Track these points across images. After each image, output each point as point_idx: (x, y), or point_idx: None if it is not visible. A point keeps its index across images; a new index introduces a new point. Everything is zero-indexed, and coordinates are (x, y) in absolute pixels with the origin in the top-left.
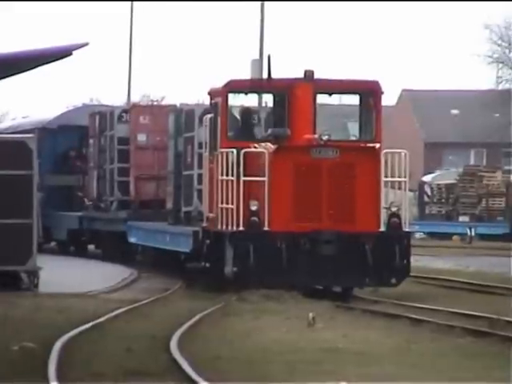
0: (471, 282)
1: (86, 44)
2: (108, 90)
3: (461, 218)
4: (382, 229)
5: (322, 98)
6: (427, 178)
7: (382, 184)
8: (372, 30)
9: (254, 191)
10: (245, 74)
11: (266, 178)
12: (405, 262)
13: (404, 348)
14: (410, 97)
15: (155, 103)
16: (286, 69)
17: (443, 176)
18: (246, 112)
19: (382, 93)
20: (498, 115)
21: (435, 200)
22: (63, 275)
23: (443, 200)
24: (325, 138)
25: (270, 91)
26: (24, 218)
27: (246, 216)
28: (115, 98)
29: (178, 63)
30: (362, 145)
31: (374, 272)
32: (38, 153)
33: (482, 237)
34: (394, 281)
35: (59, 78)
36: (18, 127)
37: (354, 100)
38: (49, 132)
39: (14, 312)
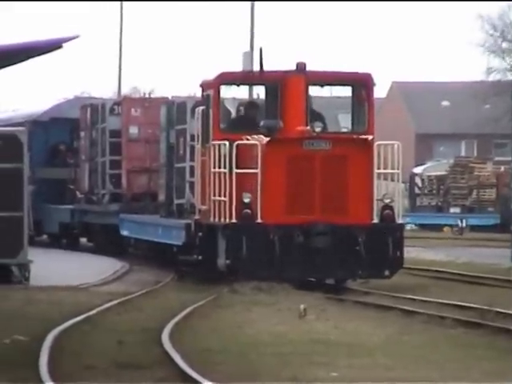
0: (462, 273)
1: (77, 37)
2: (97, 82)
3: (452, 210)
4: (375, 221)
5: (313, 90)
6: (418, 170)
7: (375, 176)
8: (362, 22)
9: (247, 183)
10: (235, 66)
11: (258, 170)
12: (398, 253)
13: (395, 339)
14: (400, 89)
15: (146, 96)
16: (277, 61)
17: (434, 167)
18: (239, 104)
19: (375, 84)
20: (488, 106)
21: (426, 191)
22: (54, 268)
23: (434, 191)
24: (317, 129)
25: (262, 83)
26: (15, 211)
27: (239, 208)
28: (105, 91)
29: (167, 56)
30: (355, 137)
31: (367, 264)
32: (30, 146)
33: (473, 228)
34: (387, 273)
35: (47, 71)
36: (10, 120)
37: (345, 92)
38: (40, 125)
39: (5, 305)
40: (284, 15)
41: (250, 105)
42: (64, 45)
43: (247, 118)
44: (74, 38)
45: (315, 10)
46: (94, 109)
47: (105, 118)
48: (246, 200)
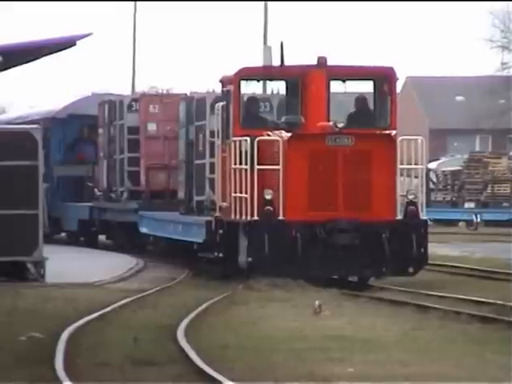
0: (477, 268)
1: (90, 34)
2: (114, 80)
3: (466, 205)
4: (399, 217)
5: (335, 85)
6: (432, 165)
7: (399, 172)
8: (376, 18)
9: (268, 180)
10: (252, 62)
11: (280, 167)
12: (422, 250)
13: (411, 335)
14: (414, 83)
15: (164, 92)
16: (295, 56)
17: (448, 163)
18: (259, 100)
19: (397, 79)
20: (503, 101)
21: (441, 187)
22: (70, 265)
23: (448, 187)
24: (340, 125)
25: (283, 78)
26: (30, 208)
27: (261, 205)
28: (121, 89)
29: (183, 53)
30: (378, 132)
31: (391, 261)
32: (48, 143)
33: (488, 223)
34: (411, 270)
35: (64, 69)
36: (27, 117)
37: (367, 86)
38: (58, 122)
39: (21, 302)
40: (300, 10)
41: (269, 99)
42: (78, 42)
43: (267, 114)
44: (87, 35)
45: (330, 5)
46: (112, 105)
47: (123, 114)
48: (268, 197)
